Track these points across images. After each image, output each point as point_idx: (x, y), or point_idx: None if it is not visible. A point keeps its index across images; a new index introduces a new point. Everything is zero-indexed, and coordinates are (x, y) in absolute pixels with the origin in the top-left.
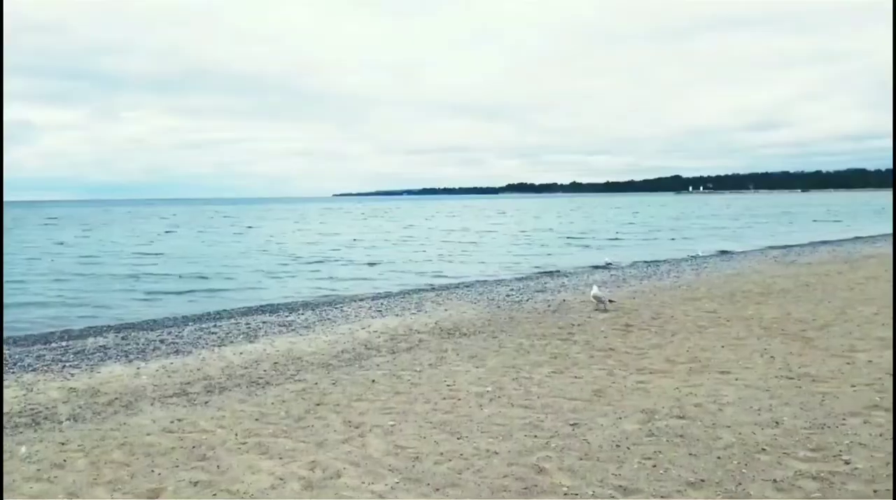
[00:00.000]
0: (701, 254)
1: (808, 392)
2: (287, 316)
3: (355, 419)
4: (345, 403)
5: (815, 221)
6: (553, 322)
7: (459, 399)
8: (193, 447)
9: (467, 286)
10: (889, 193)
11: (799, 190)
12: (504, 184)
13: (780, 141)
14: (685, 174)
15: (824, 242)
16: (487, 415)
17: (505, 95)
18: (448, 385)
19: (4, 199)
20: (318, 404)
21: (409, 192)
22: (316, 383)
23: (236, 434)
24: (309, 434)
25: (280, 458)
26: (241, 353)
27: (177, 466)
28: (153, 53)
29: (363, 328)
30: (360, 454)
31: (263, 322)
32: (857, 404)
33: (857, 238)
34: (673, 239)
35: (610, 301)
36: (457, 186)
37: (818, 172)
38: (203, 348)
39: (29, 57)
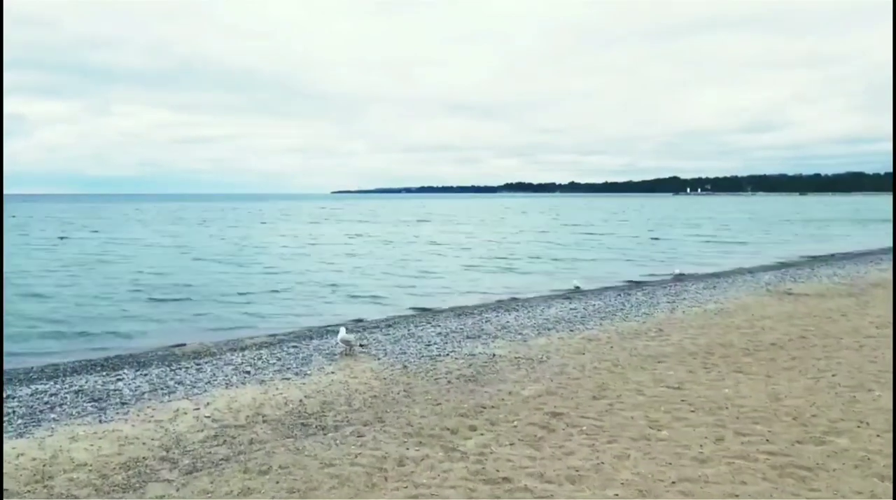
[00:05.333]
0: (678, 272)
1: None
2: (115, 381)
3: None
4: None
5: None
6: (457, 402)
7: None
8: None
9: (389, 325)
10: (887, 197)
11: (797, 193)
12: (502, 183)
13: (776, 143)
14: (683, 175)
15: (822, 260)
16: None
17: (500, 94)
18: None
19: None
20: None
21: (408, 190)
22: None
23: None
24: None
25: None
26: None
27: None
28: (144, 48)
29: (195, 409)
30: None
31: (77, 391)
32: None
33: (860, 254)
34: (666, 257)
35: (361, 345)
36: (455, 185)
37: (817, 175)
38: None
39: (20, 51)
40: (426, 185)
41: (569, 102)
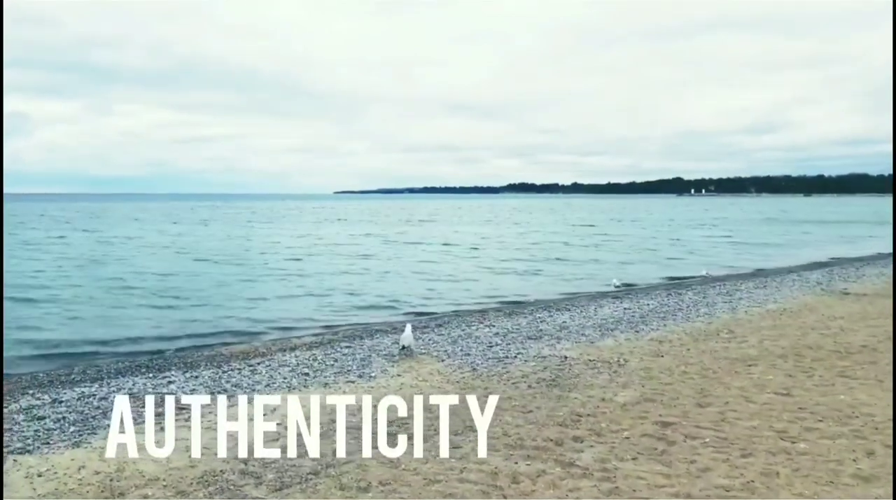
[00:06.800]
0: (705, 273)
1: None
2: (166, 384)
3: None
4: None
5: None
6: (549, 410)
7: None
8: None
9: (439, 325)
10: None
11: (801, 194)
12: (505, 183)
13: (778, 144)
14: (686, 176)
15: (862, 260)
16: None
17: (500, 94)
18: None
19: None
20: None
21: (411, 190)
22: None
23: None
24: None
25: None
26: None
27: None
28: (144, 48)
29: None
30: None
31: (127, 394)
32: None
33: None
34: (691, 258)
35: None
36: (458, 185)
37: (820, 177)
38: None
39: (21, 50)
40: (429, 185)
41: (569, 102)
